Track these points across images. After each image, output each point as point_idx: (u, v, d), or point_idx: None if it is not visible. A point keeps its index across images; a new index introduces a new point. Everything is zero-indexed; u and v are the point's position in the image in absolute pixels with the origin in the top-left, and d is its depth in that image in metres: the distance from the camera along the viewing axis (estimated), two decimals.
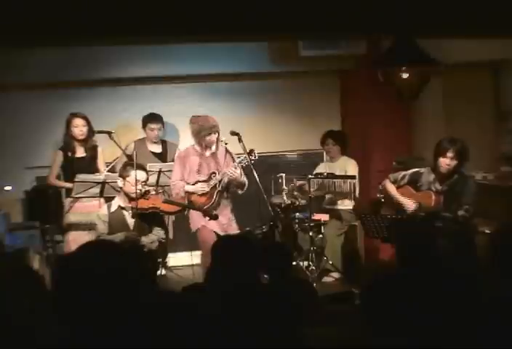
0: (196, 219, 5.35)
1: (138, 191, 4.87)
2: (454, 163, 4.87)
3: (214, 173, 5.34)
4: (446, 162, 4.86)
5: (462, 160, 4.89)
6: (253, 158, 5.30)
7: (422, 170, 5.10)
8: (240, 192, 5.47)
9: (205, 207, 5.30)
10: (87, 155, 5.78)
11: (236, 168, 5.27)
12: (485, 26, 4.25)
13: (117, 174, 5.30)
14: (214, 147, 5.42)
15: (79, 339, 1.63)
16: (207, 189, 5.30)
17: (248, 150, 5.32)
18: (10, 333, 1.96)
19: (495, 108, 6.93)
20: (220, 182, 5.31)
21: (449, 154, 4.83)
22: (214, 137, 5.33)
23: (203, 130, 5.31)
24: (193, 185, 5.36)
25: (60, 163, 5.75)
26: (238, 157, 5.39)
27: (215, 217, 5.24)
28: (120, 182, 4.92)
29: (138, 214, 4.90)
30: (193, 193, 5.35)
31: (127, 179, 4.87)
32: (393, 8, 4.00)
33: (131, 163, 5.23)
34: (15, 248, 5.35)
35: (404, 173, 5.22)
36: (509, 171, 6.62)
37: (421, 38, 4.35)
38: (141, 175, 4.92)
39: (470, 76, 6.72)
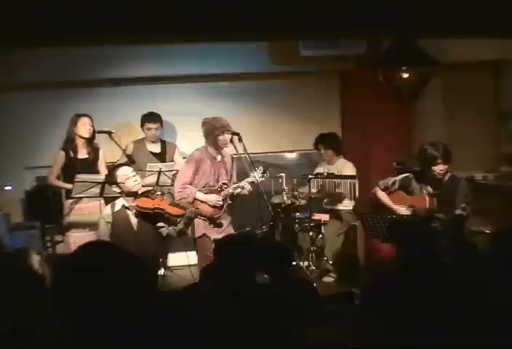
0: (201, 227, 5.31)
1: (136, 184, 4.88)
2: (446, 166, 4.90)
3: (225, 184, 5.34)
4: (439, 168, 4.89)
5: (450, 160, 4.91)
6: (266, 175, 5.34)
7: (412, 175, 5.13)
8: (233, 201, 5.50)
9: (214, 216, 5.32)
10: (90, 157, 5.77)
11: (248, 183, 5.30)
12: (485, 26, 4.25)
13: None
14: (222, 153, 5.41)
15: (79, 339, 1.63)
16: (221, 202, 5.31)
17: (262, 170, 5.34)
18: (10, 333, 1.96)
19: (495, 108, 6.93)
20: (231, 194, 5.32)
21: (439, 161, 4.86)
22: (227, 136, 5.29)
23: (215, 130, 5.28)
24: (205, 193, 5.32)
25: (61, 163, 5.72)
26: (255, 169, 5.37)
27: (220, 225, 5.25)
28: (116, 189, 4.93)
29: (141, 214, 4.89)
30: (202, 201, 5.32)
31: (119, 184, 4.88)
32: (393, 8, 4.00)
33: (115, 166, 5.21)
34: (15, 248, 5.35)
35: (393, 179, 5.25)
36: (509, 171, 6.63)
37: (421, 38, 4.35)
38: (127, 170, 4.93)
39: (471, 76, 6.73)
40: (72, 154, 5.72)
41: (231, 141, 5.35)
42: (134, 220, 4.89)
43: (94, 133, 5.76)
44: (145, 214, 4.88)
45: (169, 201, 5.15)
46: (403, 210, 5.07)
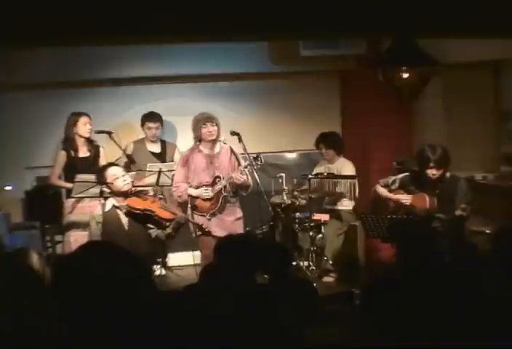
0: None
1: (125, 184, 4.87)
2: (440, 171, 4.89)
3: (218, 177, 5.28)
4: (432, 172, 4.88)
5: (447, 165, 4.89)
6: (259, 163, 5.26)
7: (412, 174, 5.14)
8: (244, 193, 5.42)
9: (211, 211, 5.27)
10: (90, 155, 5.78)
11: (242, 173, 5.21)
12: (485, 26, 4.25)
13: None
14: (218, 148, 5.38)
15: (79, 339, 1.63)
16: (211, 194, 5.25)
17: (254, 156, 5.26)
18: (10, 333, 1.96)
19: (495, 108, 6.94)
20: (225, 187, 5.26)
21: (432, 164, 4.84)
22: (211, 128, 5.26)
23: (198, 122, 5.30)
24: (196, 188, 5.29)
25: (62, 163, 5.73)
26: (244, 160, 5.32)
27: (208, 234, 5.18)
28: (106, 189, 4.93)
29: (131, 213, 4.88)
30: (196, 198, 5.29)
31: (108, 184, 4.87)
32: (393, 8, 4.00)
33: (104, 166, 5.19)
34: (15, 248, 5.35)
35: (394, 177, 5.25)
36: (509, 171, 6.63)
37: (421, 38, 4.35)
38: (116, 170, 4.92)
39: (471, 76, 6.73)
40: (73, 153, 5.72)
41: (217, 134, 5.29)
42: (125, 220, 4.89)
43: (93, 131, 5.78)
44: (135, 214, 4.88)
45: (161, 203, 5.13)
46: (404, 198, 5.06)
